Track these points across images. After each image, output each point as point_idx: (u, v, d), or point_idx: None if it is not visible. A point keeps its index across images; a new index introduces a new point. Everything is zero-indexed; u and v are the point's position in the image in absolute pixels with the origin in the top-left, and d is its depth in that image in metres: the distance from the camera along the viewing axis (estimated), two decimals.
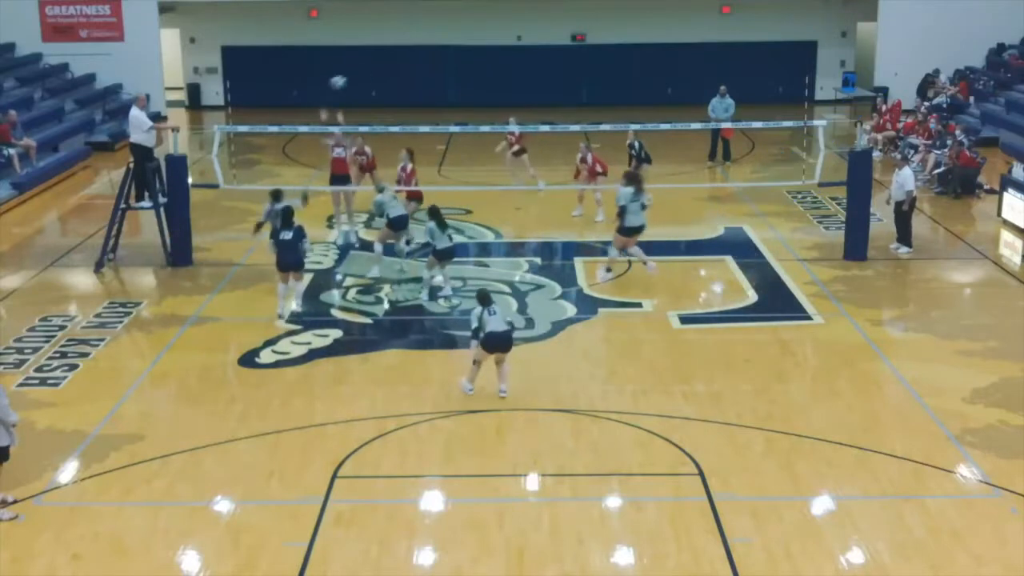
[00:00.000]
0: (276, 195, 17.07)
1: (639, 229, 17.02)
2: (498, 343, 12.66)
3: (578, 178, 20.62)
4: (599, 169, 20.29)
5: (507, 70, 34.49)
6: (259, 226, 17.46)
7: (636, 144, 21.63)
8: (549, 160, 23.57)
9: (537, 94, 33.73)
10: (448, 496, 10.83)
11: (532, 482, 11.06)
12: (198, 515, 10.42)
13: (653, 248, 17.56)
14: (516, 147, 22.21)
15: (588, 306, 16.21)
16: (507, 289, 16.96)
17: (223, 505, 10.61)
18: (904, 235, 18.65)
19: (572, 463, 11.42)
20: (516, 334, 15.03)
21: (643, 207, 17.04)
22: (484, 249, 19.42)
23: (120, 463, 11.39)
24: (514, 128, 21.91)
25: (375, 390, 13.32)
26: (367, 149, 20.49)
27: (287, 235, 15.59)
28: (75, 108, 29.70)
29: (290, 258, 15.57)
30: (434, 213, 16.37)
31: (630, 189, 16.91)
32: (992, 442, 11.76)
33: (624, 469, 11.24)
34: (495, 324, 12.62)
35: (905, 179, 18.46)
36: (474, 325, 12.68)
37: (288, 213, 15.81)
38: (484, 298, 12.77)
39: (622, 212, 16.87)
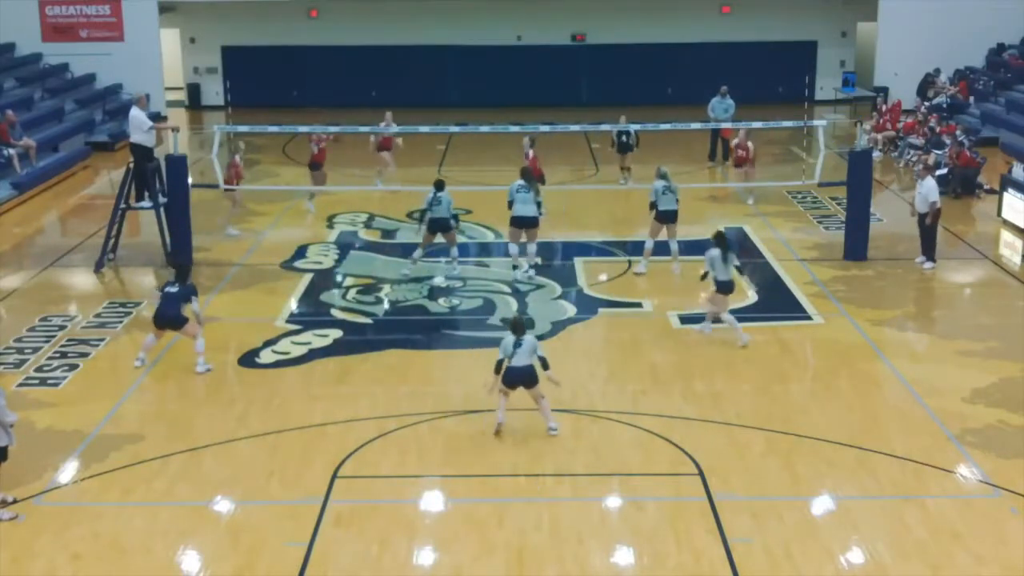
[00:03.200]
0: (439, 184, 17.27)
1: (526, 220, 17.14)
2: (516, 378, 11.80)
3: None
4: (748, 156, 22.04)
5: (507, 70, 34.49)
6: (423, 214, 17.39)
7: (629, 129, 21.55)
8: (552, 160, 23.52)
9: (537, 94, 33.74)
10: (448, 496, 10.83)
11: (532, 482, 11.06)
12: (198, 515, 10.42)
13: (655, 248, 17.51)
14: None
15: (588, 306, 16.21)
16: (507, 289, 16.96)
17: (223, 505, 10.61)
18: (928, 249, 17.94)
19: (572, 463, 11.42)
20: None
21: (539, 204, 17.14)
22: (484, 249, 19.41)
23: (120, 463, 11.39)
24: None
25: (375, 390, 13.32)
26: None
27: (172, 289, 13.68)
28: (75, 108, 29.69)
29: (169, 313, 13.66)
30: (720, 240, 14.75)
31: (519, 181, 17.21)
32: (992, 442, 11.76)
33: (624, 469, 11.24)
34: (518, 358, 11.73)
35: (929, 190, 17.67)
36: (500, 356, 11.84)
37: (185, 269, 14.26)
38: (517, 327, 11.93)
39: (509, 204, 17.23)
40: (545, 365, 11.85)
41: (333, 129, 21.67)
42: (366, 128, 21.94)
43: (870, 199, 18.58)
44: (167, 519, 10.31)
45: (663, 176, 17.52)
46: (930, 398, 12.85)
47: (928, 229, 17.96)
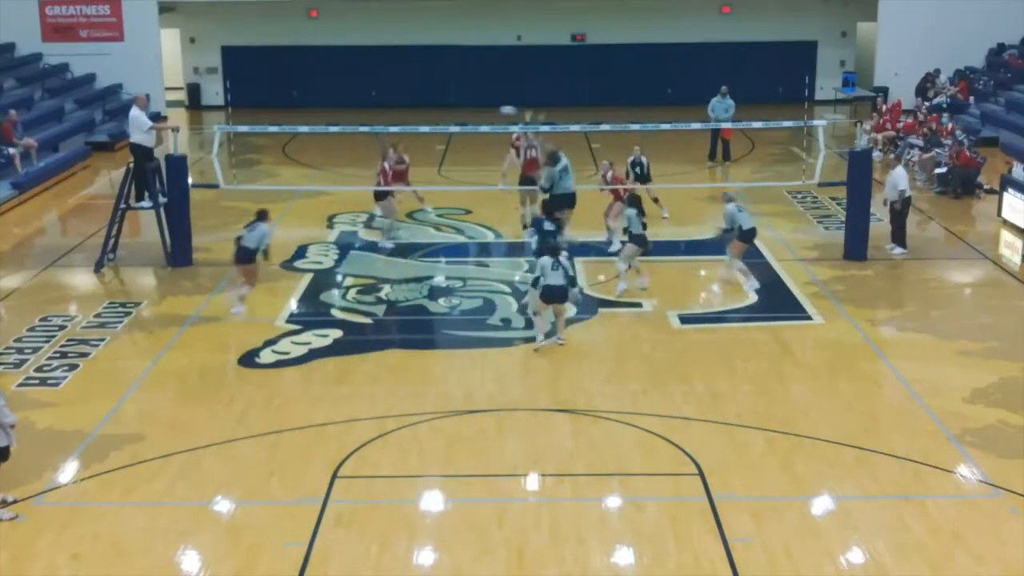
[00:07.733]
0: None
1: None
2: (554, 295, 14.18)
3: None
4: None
5: (507, 70, 34.48)
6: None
7: (642, 161, 20.96)
8: None
9: (537, 94, 33.64)
10: (448, 496, 10.82)
11: (532, 482, 11.06)
12: (198, 515, 10.42)
13: (655, 248, 17.50)
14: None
15: (588, 306, 16.19)
16: (507, 289, 16.96)
17: (223, 505, 10.61)
18: (899, 235, 18.55)
19: (572, 463, 11.42)
20: (516, 334, 15.11)
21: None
22: (484, 249, 19.41)
23: (120, 463, 11.38)
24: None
25: (375, 390, 13.32)
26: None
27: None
28: (75, 108, 29.71)
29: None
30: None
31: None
32: (992, 442, 11.76)
33: (624, 469, 11.24)
34: (555, 279, 14.07)
35: (898, 179, 18.32)
36: (536, 274, 14.38)
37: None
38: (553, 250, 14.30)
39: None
40: (573, 283, 14.63)
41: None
42: (366, 128, 21.92)
43: (870, 199, 18.58)
44: (167, 519, 10.31)
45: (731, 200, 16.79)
46: (930, 398, 12.85)
47: (898, 216, 18.41)
